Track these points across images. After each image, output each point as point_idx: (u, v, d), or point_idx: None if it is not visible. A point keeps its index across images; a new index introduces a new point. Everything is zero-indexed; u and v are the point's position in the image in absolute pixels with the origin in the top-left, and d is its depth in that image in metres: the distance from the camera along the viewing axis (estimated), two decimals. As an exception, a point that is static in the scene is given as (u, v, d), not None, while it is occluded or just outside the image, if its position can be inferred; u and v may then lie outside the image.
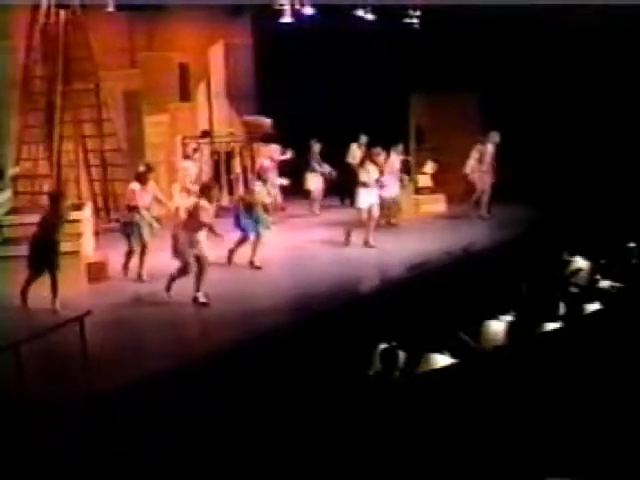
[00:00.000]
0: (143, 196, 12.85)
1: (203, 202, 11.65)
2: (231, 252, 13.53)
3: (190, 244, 11.50)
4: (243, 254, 13.56)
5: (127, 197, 13.05)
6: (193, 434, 7.70)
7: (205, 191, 11.93)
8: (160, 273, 12.36)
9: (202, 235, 11.69)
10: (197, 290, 11.59)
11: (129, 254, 12.96)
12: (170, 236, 11.88)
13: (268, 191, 13.81)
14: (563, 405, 6.03)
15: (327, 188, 18.00)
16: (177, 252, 11.60)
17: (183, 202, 13.93)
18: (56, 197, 11.92)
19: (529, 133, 17.38)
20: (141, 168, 13.43)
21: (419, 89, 18.55)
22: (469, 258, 13.50)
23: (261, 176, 13.91)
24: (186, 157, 15.52)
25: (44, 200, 12.93)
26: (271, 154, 16.93)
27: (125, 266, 13.00)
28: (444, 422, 6.02)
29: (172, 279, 11.71)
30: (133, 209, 12.79)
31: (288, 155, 17.30)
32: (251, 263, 13.46)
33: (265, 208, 13.67)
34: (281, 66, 19.16)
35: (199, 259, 11.57)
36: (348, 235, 14.94)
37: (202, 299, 11.58)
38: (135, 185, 12.94)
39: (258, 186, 13.66)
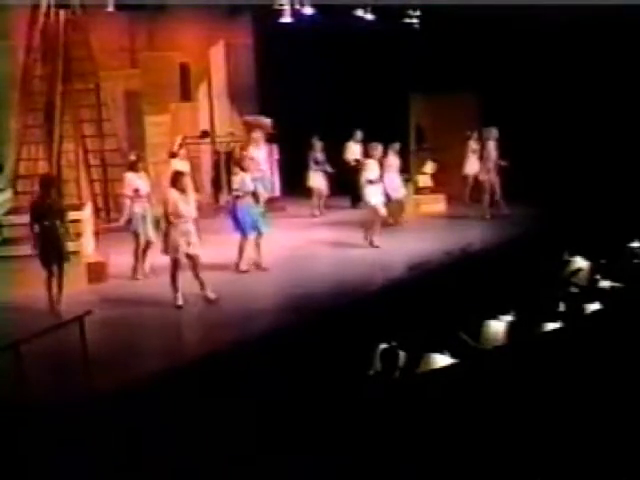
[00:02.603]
0: (139, 184, 12.88)
1: (174, 193, 11.47)
2: (240, 253, 13.39)
3: (180, 237, 11.38)
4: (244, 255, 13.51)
5: (126, 186, 12.98)
6: (193, 434, 7.70)
7: (174, 181, 11.63)
8: (160, 272, 12.40)
9: (192, 229, 11.59)
10: (203, 288, 11.58)
11: (137, 252, 12.94)
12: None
13: (244, 180, 13.48)
14: (563, 404, 6.04)
15: (332, 187, 17.86)
16: (167, 248, 11.50)
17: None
18: (46, 183, 11.63)
19: (529, 133, 17.38)
20: (132, 157, 13.49)
21: (419, 89, 18.55)
22: (468, 258, 13.49)
23: (241, 166, 13.69)
24: (173, 155, 15.44)
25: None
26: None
27: (135, 272, 12.96)
28: (444, 422, 6.03)
29: (173, 279, 11.59)
30: (136, 197, 12.81)
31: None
32: (256, 265, 13.35)
33: (255, 198, 13.46)
34: (281, 66, 19.16)
35: (190, 257, 11.50)
36: (367, 235, 14.86)
37: (179, 302, 11.49)
38: (131, 175, 12.99)
39: (238, 176, 13.42)
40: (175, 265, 11.48)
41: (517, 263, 12.44)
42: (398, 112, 18.38)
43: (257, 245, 13.39)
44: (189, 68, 18.90)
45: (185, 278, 11.63)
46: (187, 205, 11.51)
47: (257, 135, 16.71)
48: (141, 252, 12.97)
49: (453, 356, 8.07)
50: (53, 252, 11.23)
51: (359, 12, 18.05)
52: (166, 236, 11.53)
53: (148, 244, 12.93)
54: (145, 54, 18.19)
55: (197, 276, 11.59)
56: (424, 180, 18.35)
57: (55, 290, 11.31)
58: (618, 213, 14.71)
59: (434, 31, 18.38)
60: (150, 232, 12.88)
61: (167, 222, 11.54)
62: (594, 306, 9.72)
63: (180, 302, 11.47)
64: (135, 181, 12.91)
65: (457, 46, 18.14)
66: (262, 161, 16.42)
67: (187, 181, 11.83)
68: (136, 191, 12.85)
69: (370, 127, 17.33)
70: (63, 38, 15.91)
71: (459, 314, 9.67)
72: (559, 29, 17.26)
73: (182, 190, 11.51)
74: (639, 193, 15.70)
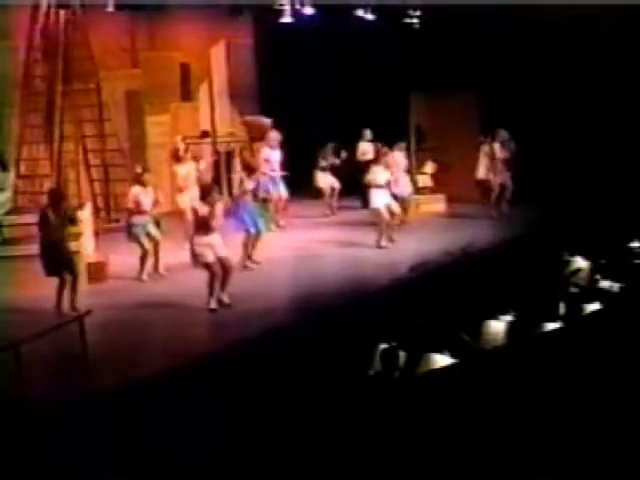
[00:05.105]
0: (143, 199, 12.90)
1: (204, 207, 11.35)
2: (245, 251, 13.40)
3: (207, 246, 11.30)
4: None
5: (131, 200, 12.99)
6: (194, 435, 7.70)
7: (204, 195, 11.59)
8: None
9: (217, 237, 11.55)
10: (222, 291, 11.46)
11: (144, 258, 12.93)
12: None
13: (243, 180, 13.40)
14: (563, 405, 6.04)
15: (343, 187, 17.74)
16: (195, 256, 11.51)
17: (182, 202, 14.09)
18: (58, 197, 11.63)
19: (529, 133, 17.38)
20: (138, 170, 13.46)
21: (419, 89, 18.54)
22: (468, 258, 13.49)
23: (246, 166, 13.69)
24: (177, 160, 15.29)
25: (44, 200, 12.78)
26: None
27: (140, 273, 12.96)
28: (444, 422, 6.03)
29: (211, 287, 11.37)
30: (139, 213, 12.83)
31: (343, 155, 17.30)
32: (249, 257, 13.39)
33: (261, 200, 13.43)
34: (282, 66, 19.17)
35: (222, 261, 11.43)
36: (380, 239, 14.85)
37: (226, 300, 11.44)
38: (137, 188, 12.98)
39: (237, 175, 13.42)
40: (211, 273, 11.34)
41: (517, 263, 12.44)
42: (398, 112, 18.36)
43: (254, 244, 13.41)
44: (190, 68, 18.92)
45: (190, 277, 11.58)
46: (216, 219, 11.34)
47: (272, 136, 16.68)
48: (153, 253, 13.00)
49: (453, 356, 8.07)
50: (62, 265, 11.19)
51: (359, 12, 18.04)
52: (191, 245, 11.56)
53: (156, 244, 12.97)
54: (146, 54, 18.21)
55: (223, 281, 11.43)
56: (424, 180, 18.34)
57: (70, 292, 11.24)
58: (618, 213, 14.71)
59: (434, 31, 18.37)
60: (154, 233, 12.91)
61: (195, 232, 11.48)
62: (594, 306, 9.72)
63: (213, 306, 11.35)
64: (140, 195, 12.89)
65: (457, 46, 18.13)
66: (277, 162, 16.43)
67: (215, 195, 11.75)
68: (139, 205, 12.84)
69: (370, 127, 17.32)
70: (63, 38, 15.94)
71: (459, 314, 9.68)
72: (560, 29, 17.26)
73: (211, 204, 11.34)
74: (639, 193, 15.71)
